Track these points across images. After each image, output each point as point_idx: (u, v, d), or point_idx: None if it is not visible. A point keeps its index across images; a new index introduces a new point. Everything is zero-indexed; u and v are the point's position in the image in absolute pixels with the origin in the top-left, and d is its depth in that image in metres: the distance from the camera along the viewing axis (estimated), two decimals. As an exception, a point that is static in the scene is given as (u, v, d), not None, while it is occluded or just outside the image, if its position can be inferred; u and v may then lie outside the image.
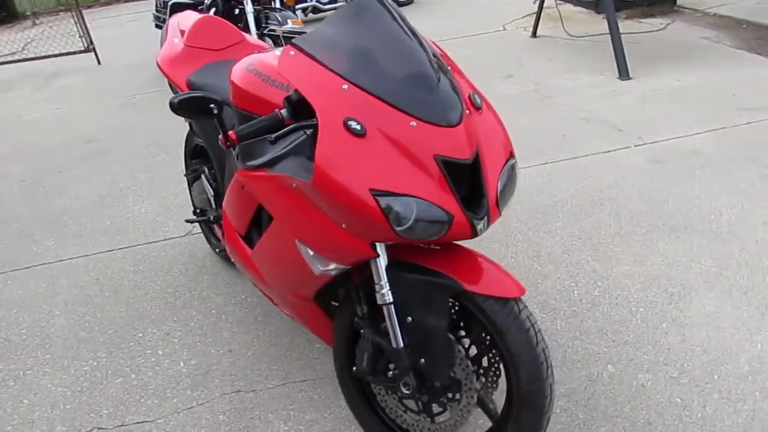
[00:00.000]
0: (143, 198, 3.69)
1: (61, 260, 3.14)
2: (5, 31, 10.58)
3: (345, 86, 1.38)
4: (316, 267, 1.53)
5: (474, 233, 1.38)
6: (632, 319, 2.22)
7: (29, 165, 4.46)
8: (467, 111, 1.41)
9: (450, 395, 1.56)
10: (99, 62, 7.42)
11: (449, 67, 1.51)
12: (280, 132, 1.41)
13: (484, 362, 1.59)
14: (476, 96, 1.52)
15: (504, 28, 6.47)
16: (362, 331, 1.64)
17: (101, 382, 2.27)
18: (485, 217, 1.39)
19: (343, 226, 1.40)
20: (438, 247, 1.54)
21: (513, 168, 1.50)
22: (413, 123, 1.34)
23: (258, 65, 1.74)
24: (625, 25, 5.64)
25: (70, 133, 5.08)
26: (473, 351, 1.59)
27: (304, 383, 2.13)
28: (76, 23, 7.54)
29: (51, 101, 6.17)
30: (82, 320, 2.64)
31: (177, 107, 1.38)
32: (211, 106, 1.40)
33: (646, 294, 2.33)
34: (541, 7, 5.71)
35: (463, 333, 1.59)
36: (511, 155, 1.50)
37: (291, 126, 1.42)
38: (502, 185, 1.44)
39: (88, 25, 7.62)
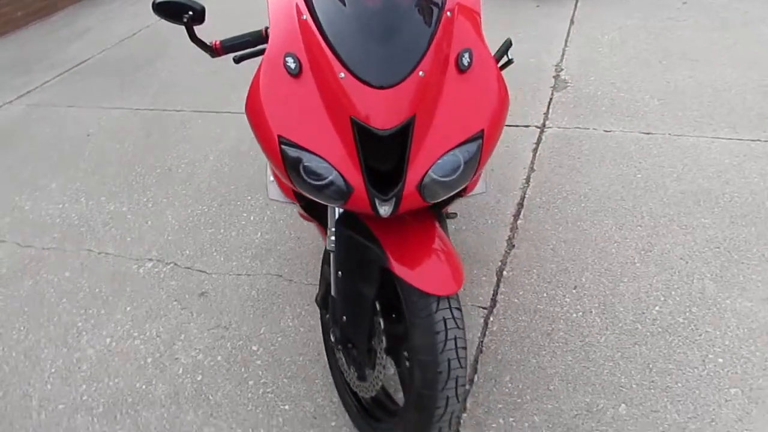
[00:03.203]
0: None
1: (241, 113, 3.58)
2: None
3: (304, 17, 1.27)
4: (269, 191, 1.55)
5: (376, 213, 1.22)
6: (697, 368, 1.76)
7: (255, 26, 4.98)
8: (421, 73, 1.19)
9: (364, 361, 1.50)
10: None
11: (443, 16, 1.26)
12: (245, 51, 1.39)
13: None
14: (466, 55, 1.25)
15: None
16: (324, 266, 1.63)
17: (199, 227, 2.66)
18: (393, 200, 1.21)
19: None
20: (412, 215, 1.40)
21: (477, 149, 1.23)
22: (342, 74, 1.19)
23: None
24: None
25: None
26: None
27: (330, 291, 2.22)
28: None
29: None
30: (221, 170, 3.05)
31: (156, 8, 1.43)
32: (189, 14, 1.41)
33: (742, 345, 1.80)
34: None
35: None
36: (481, 132, 1.23)
37: (255, 48, 1.38)
38: (443, 169, 1.21)
39: None
